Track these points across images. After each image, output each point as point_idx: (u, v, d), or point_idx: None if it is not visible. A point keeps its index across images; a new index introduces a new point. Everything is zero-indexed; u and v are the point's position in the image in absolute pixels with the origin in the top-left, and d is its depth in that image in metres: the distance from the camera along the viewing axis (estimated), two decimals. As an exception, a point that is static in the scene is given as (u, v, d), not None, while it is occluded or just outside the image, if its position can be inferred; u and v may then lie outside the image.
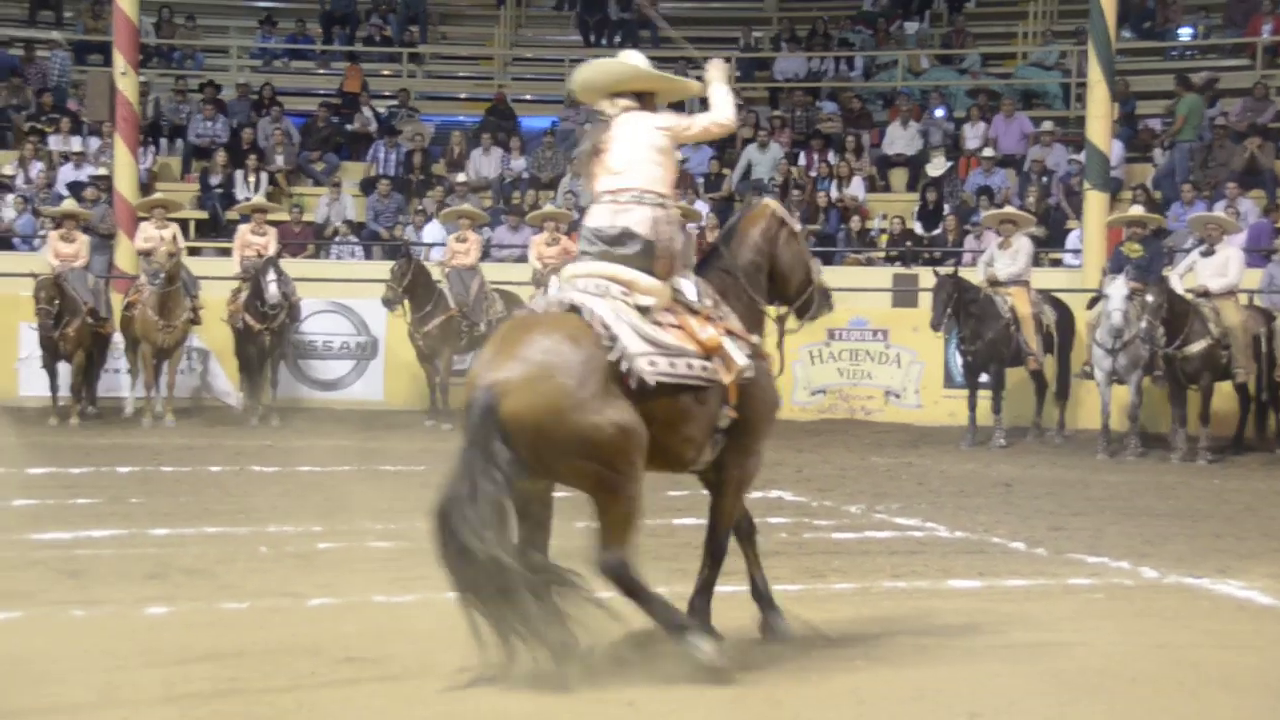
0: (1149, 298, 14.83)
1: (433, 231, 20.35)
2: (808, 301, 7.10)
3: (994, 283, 16.27)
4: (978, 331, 15.96)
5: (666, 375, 6.18)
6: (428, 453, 14.75)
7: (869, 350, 18.13)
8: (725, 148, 22.70)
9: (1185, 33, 24.90)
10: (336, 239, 21.14)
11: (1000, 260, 16.45)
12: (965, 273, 16.46)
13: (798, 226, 7.17)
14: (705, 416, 6.36)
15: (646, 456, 6.18)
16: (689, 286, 6.55)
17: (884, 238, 20.40)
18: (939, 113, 23.08)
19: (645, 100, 6.76)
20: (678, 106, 7.17)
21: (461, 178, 21.53)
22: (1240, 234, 17.32)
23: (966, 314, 15.91)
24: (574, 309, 6.25)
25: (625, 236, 6.41)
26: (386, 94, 25.04)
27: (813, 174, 21.60)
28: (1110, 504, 11.95)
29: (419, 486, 12.14)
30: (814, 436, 16.48)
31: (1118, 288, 15.12)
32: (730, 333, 6.48)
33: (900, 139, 22.19)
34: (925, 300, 16.93)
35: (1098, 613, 7.65)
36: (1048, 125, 21.75)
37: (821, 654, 6.61)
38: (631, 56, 6.87)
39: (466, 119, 24.75)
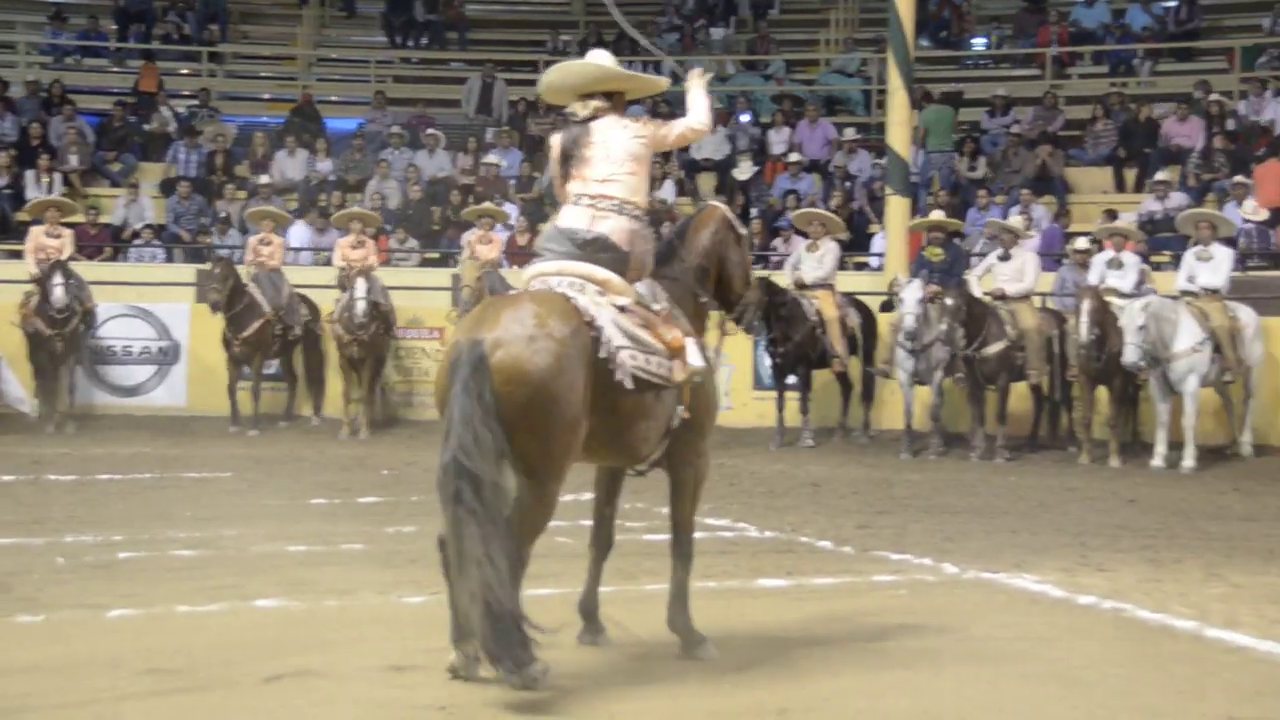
0: (947, 301, 15.20)
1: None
2: (744, 309, 7.19)
3: (801, 286, 16.54)
4: (785, 334, 16.20)
5: (643, 372, 6.27)
6: (233, 459, 14.47)
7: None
8: (535, 150, 22.69)
9: (979, 42, 25.67)
10: (136, 241, 20.58)
11: (807, 263, 16.73)
12: (773, 276, 16.70)
13: (744, 231, 7.23)
14: (663, 415, 6.45)
15: (604, 451, 6.35)
16: (645, 289, 6.61)
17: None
18: (745, 118, 23.39)
19: (615, 100, 6.76)
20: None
21: (265, 179, 21.14)
22: (1033, 239, 17.87)
23: (775, 316, 16.13)
24: (565, 296, 6.25)
25: (601, 243, 6.45)
26: (185, 93, 24.47)
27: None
28: (913, 502, 12.24)
29: (224, 494, 11.97)
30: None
31: (911, 291, 15.47)
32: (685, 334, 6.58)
33: (708, 144, 22.42)
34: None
35: (900, 609, 7.81)
36: (850, 131, 22.21)
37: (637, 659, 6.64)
38: (599, 56, 6.86)
39: (270, 120, 24.33)
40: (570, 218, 6.56)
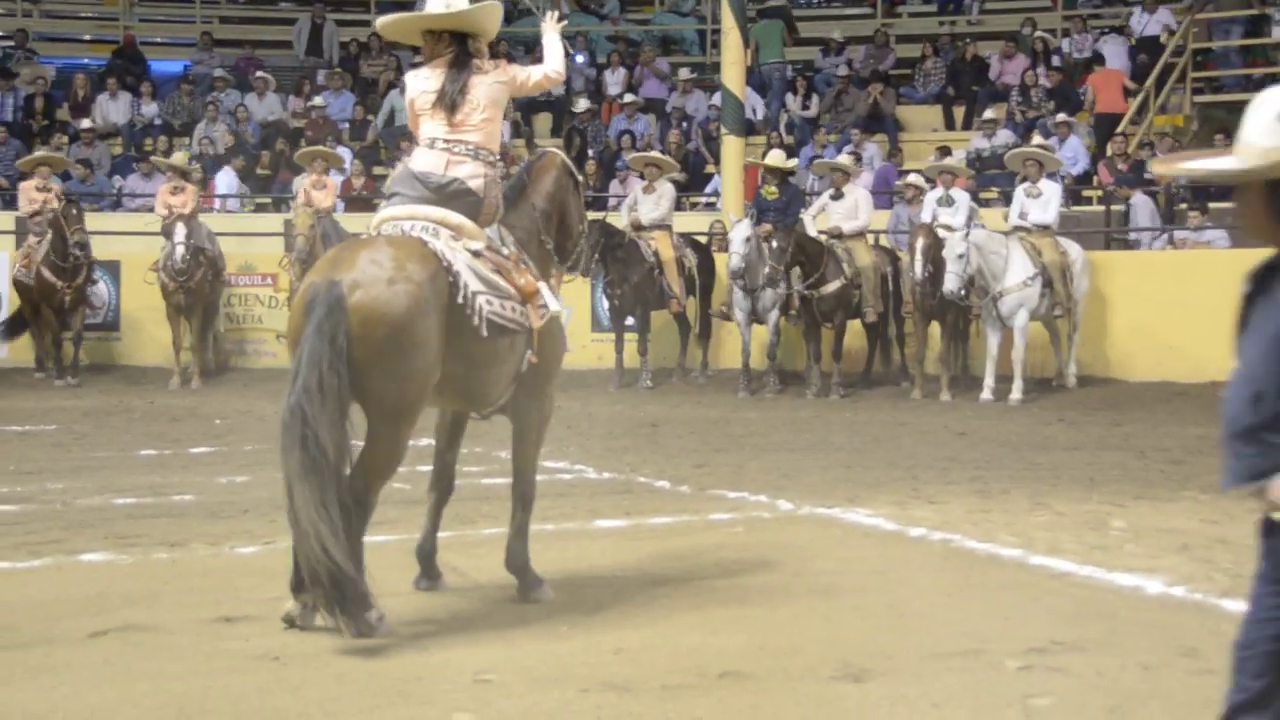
0: (773, 242, 15.32)
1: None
2: (580, 252, 7.21)
3: (638, 227, 16.54)
4: (623, 275, 16.21)
5: (499, 317, 6.25)
6: (58, 410, 14.09)
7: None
8: (368, 93, 22.34)
9: (812, -19, 25.84)
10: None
11: (644, 204, 16.73)
12: (610, 218, 16.67)
13: (580, 177, 7.24)
14: (514, 360, 6.46)
15: (454, 396, 6.37)
16: (493, 234, 6.57)
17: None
18: (580, 58, 23.26)
19: (468, 43, 6.61)
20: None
21: (87, 123, 20.52)
22: (864, 177, 18.09)
23: (612, 258, 16.12)
24: (421, 240, 6.18)
25: (455, 187, 6.39)
26: (0, 34, 23.58)
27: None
28: (750, 440, 12.36)
29: (48, 446, 11.65)
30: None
31: (739, 230, 15.56)
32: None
33: (543, 84, 22.24)
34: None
35: (737, 546, 7.89)
36: (685, 72, 22.21)
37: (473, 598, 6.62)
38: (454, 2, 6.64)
39: (91, 61, 23.58)
40: (424, 161, 6.47)
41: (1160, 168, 3.94)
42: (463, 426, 7.01)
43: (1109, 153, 18.50)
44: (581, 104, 21.49)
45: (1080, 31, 21.46)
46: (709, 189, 20.12)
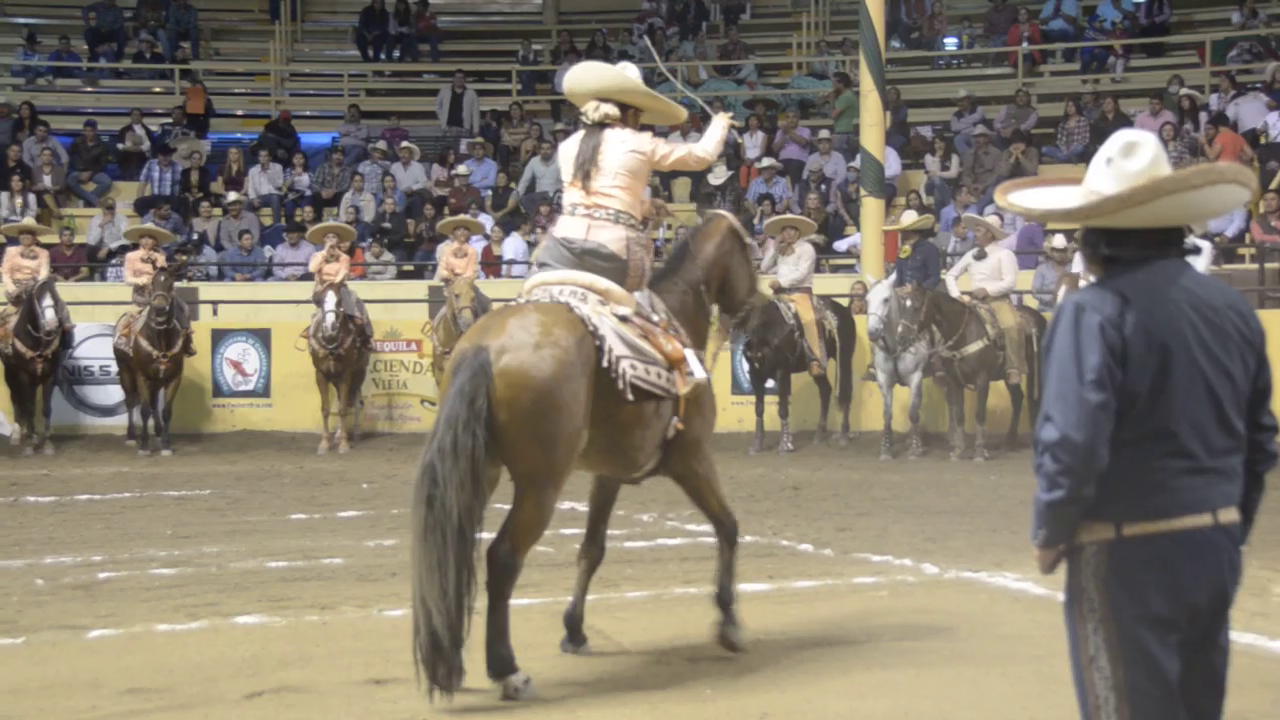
0: (906, 301, 15.17)
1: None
2: (749, 312, 7.31)
3: (778, 290, 16.55)
4: (764, 338, 16.20)
5: (643, 381, 6.36)
6: (212, 476, 14.44)
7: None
8: (510, 161, 22.71)
9: (950, 43, 25.74)
10: (112, 261, 20.53)
11: (783, 267, 16.74)
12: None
13: (749, 240, 7.36)
14: (660, 426, 6.55)
15: (600, 460, 6.49)
16: (644, 300, 6.71)
17: (669, 247, 20.58)
18: (720, 124, 23.38)
19: (628, 114, 6.83)
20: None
21: (233, 195, 21.16)
22: (1009, 238, 17.92)
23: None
24: (570, 307, 6.33)
25: (599, 251, 6.52)
26: (159, 111, 24.41)
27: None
28: (893, 503, 12.25)
29: (203, 511, 11.94)
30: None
31: (876, 292, 15.47)
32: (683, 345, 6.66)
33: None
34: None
35: (882, 610, 7.82)
36: (825, 133, 22.24)
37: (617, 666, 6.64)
38: (628, 70, 6.96)
39: (244, 136, 24.30)
40: (566, 227, 6.63)
41: (1002, 199, 3.91)
42: (614, 493, 7.09)
43: (1261, 209, 18.12)
44: (720, 170, 21.61)
45: (1230, 90, 21.07)
46: (843, 245, 20.05)
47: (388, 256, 20.73)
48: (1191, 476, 3.56)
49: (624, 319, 6.43)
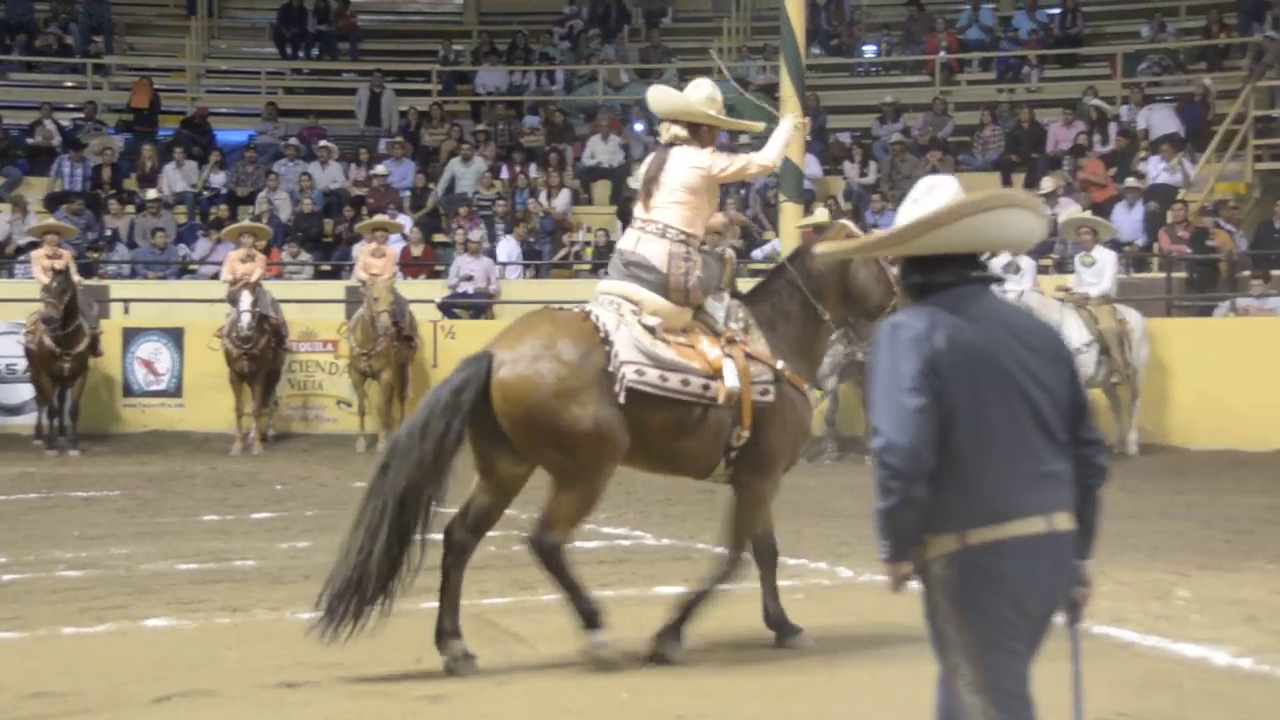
0: None
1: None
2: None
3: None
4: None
5: (651, 386, 6.59)
6: (122, 476, 14.24)
7: (575, 362, 18.18)
8: (429, 162, 22.60)
9: (870, 50, 25.94)
10: (20, 258, 20.18)
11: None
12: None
13: None
14: (709, 432, 6.75)
15: (654, 462, 6.91)
16: (719, 309, 6.97)
17: (589, 250, 20.59)
18: (638, 126, 23.46)
19: (698, 131, 7.09)
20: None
21: (153, 193, 20.87)
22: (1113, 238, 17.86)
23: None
24: (587, 314, 6.73)
25: (642, 263, 6.82)
26: (70, 106, 24.04)
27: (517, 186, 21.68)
28: (809, 507, 12.28)
29: (112, 512, 11.77)
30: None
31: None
32: (751, 356, 6.84)
33: (601, 152, 22.47)
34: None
35: (797, 613, 7.84)
36: (744, 139, 22.29)
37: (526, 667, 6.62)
38: (701, 88, 7.20)
39: (160, 132, 23.98)
40: (625, 239, 7.07)
41: (823, 248, 4.28)
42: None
43: (1169, 220, 18.40)
44: (638, 173, 21.58)
45: (1139, 101, 21.38)
46: (760, 253, 20.12)
47: (304, 256, 20.56)
48: (1025, 483, 3.73)
49: (651, 328, 6.68)
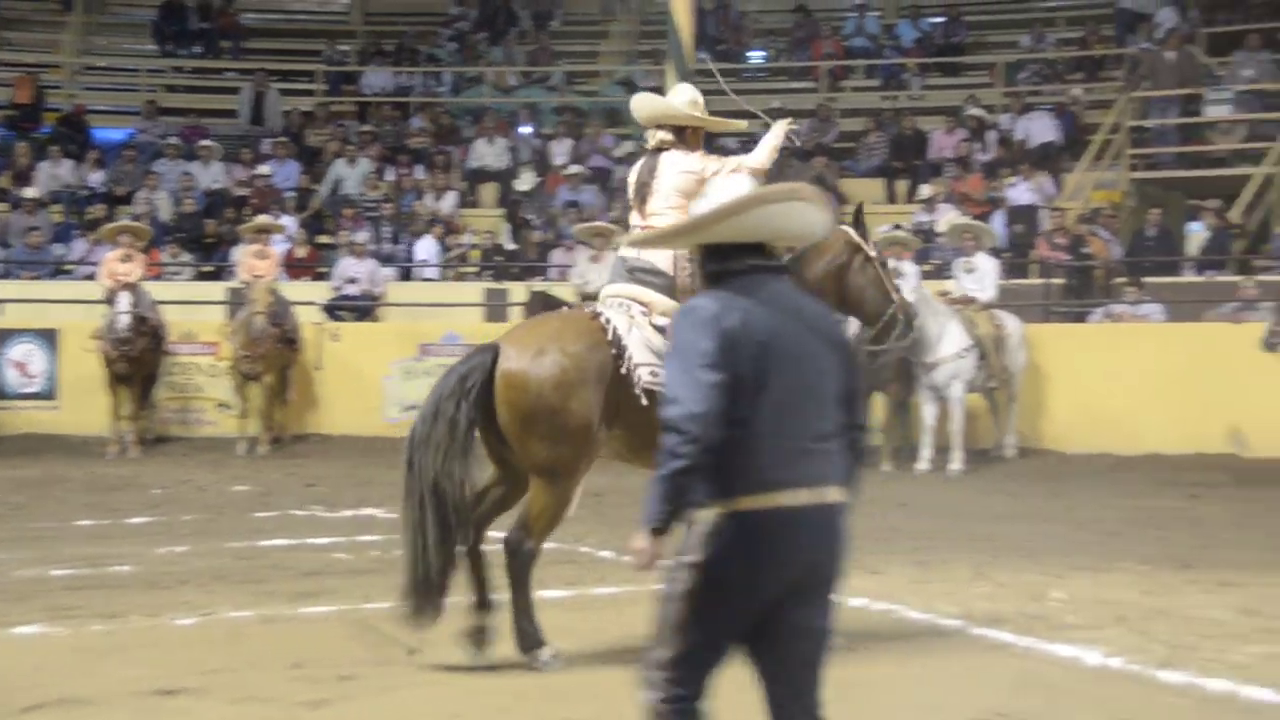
0: None
1: None
2: (890, 322, 7.60)
3: (585, 297, 16.57)
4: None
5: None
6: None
7: (461, 365, 18.08)
8: (314, 162, 22.37)
9: (756, 56, 26.12)
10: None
11: (592, 274, 16.77)
12: (554, 288, 16.71)
13: (873, 253, 7.64)
14: None
15: (647, 459, 6.73)
16: None
17: (475, 253, 20.50)
18: (526, 129, 23.42)
19: (685, 134, 7.26)
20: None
21: (31, 191, 20.43)
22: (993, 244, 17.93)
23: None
24: (596, 315, 6.89)
25: (649, 268, 7.00)
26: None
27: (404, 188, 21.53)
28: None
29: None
30: (407, 453, 16.39)
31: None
32: None
33: (488, 154, 22.39)
34: (516, 314, 17.13)
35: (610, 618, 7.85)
36: (629, 144, 22.34)
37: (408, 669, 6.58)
38: (683, 91, 7.43)
39: (41, 129, 23.47)
40: (625, 247, 7.20)
41: (632, 238, 4.57)
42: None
43: (1047, 227, 18.75)
44: (528, 176, 21.59)
45: (1019, 110, 21.75)
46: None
47: (185, 257, 20.25)
48: (797, 456, 4.00)
49: (661, 329, 6.78)
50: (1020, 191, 19.79)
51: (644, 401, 6.69)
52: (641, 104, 7.45)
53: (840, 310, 7.51)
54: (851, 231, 7.65)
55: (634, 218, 7.26)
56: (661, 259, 7.03)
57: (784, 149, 7.76)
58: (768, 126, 7.83)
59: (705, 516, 3.99)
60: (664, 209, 7.06)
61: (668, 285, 7.00)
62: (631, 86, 24.77)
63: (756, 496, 3.96)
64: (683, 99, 7.35)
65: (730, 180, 4.32)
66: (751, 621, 4.02)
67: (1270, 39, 21.07)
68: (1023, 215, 19.43)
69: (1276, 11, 22.47)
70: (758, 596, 3.98)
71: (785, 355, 4.02)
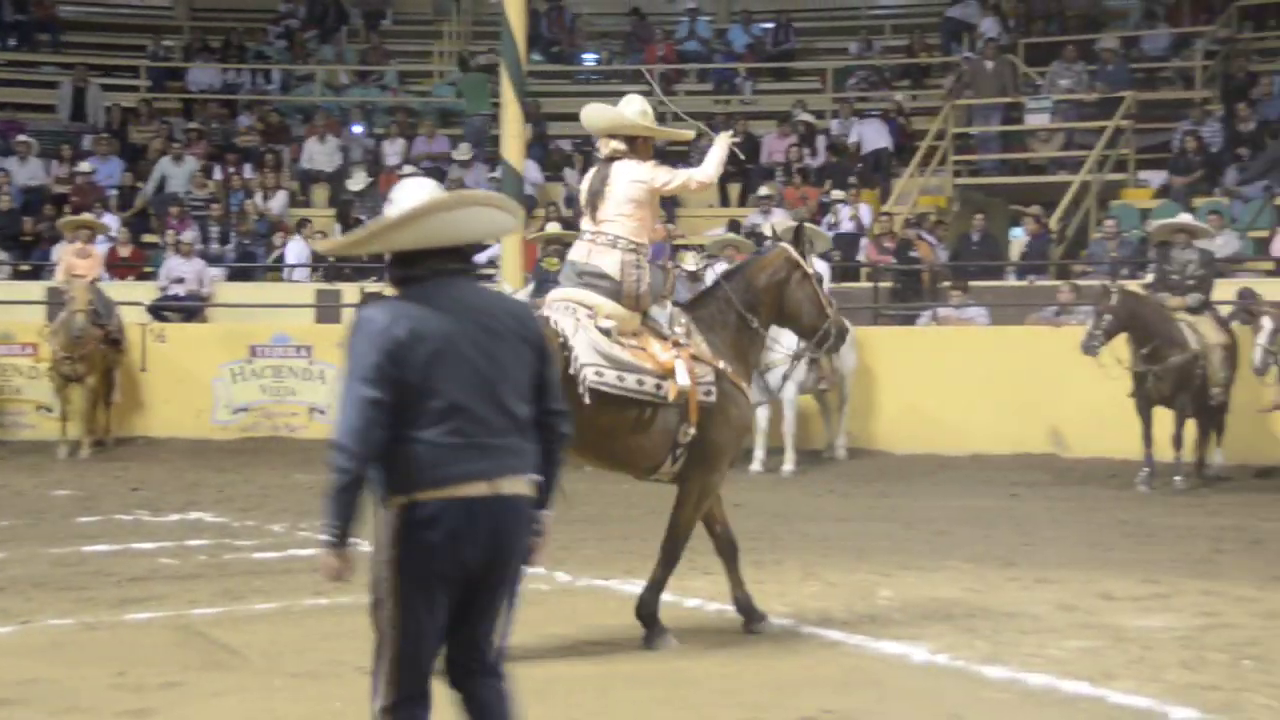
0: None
1: None
2: (824, 335, 7.99)
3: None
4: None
5: (610, 387, 6.98)
6: None
7: (292, 367, 17.88)
8: (138, 159, 21.85)
9: (590, 58, 26.18)
10: None
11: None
12: (386, 290, 16.53)
13: (811, 270, 7.88)
14: (658, 430, 7.19)
15: (601, 458, 7.35)
16: (662, 315, 7.37)
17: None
18: (357, 129, 23.16)
19: (636, 143, 7.50)
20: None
21: None
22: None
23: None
24: (545, 320, 6.91)
25: (597, 273, 7.21)
26: None
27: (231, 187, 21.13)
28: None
29: None
30: (236, 456, 16.14)
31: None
32: (695, 357, 7.24)
33: (319, 154, 22.09)
34: (348, 316, 16.93)
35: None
36: (464, 147, 22.23)
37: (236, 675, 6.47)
38: (631, 103, 7.63)
39: None
40: (576, 250, 7.44)
41: (323, 245, 4.75)
42: (718, 502, 7.67)
43: (876, 231, 19.08)
44: (360, 176, 21.34)
45: (849, 115, 22.10)
46: (483, 256, 20.08)
47: (2, 255, 19.64)
48: (470, 452, 4.14)
49: (606, 332, 7.06)
50: (844, 218, 19.86)
51: (587, 401, 6.88)
52: (593, 115, 7.67)
53: (779, 322, 7.96)
54: (790, 249, 7.91)
55: (586, 224, 7.43)
56: (610, 265, 7.21)
57: (727, 161, 7.96)
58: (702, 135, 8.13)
59: (388, 513, 4.13)
60: (614, 216, 7.30)
61: (615, 290, 7.19)
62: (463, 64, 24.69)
63: (431, 491, 4.10)
64: (633, 109, 7.57)
65: (411, 186, 4.32)
66: (450, 609, 4.18)
67: (1085, 51, 21.72)
68: (841, 244, 19.46)
69: (1091, 24, 23.23)
70: (449, 580, 4.14)
71: (460, 358, 4.14)
